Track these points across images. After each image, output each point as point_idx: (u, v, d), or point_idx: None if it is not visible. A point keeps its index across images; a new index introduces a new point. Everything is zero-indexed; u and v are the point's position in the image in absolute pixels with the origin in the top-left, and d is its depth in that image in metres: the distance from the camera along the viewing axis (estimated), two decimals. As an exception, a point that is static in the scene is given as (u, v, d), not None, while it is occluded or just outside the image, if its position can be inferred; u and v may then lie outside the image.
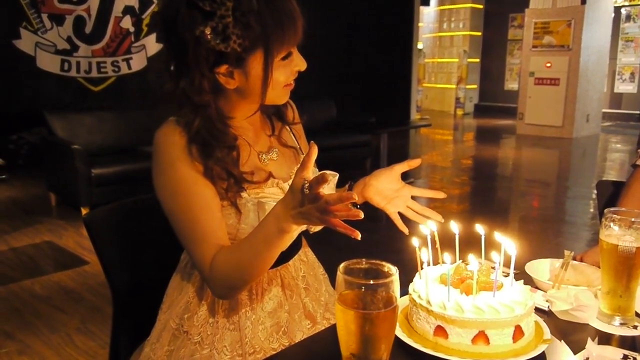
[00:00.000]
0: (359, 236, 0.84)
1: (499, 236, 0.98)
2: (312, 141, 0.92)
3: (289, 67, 1.08)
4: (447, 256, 0.97)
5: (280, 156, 1.22)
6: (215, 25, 0.97)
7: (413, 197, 1.25)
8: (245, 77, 1.05)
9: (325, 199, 0.84)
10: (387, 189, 1.23)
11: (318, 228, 1.22)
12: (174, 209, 1.07)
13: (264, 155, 1.18)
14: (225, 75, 1.05)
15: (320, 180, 0.84)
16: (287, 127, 1.29)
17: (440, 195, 1.24)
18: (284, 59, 1.06)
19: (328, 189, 1.22)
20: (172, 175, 1.06)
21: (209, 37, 0.97)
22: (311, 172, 0.88)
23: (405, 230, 1.17)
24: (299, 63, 1.09)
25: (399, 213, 1.24)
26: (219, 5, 0.96)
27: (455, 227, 1.06)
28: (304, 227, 1.16)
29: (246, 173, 1.11)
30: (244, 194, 1.09)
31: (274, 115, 1.26)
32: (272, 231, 0.96)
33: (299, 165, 0.92)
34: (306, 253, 1.32)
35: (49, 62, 6.08)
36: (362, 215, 0.84)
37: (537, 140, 9.54)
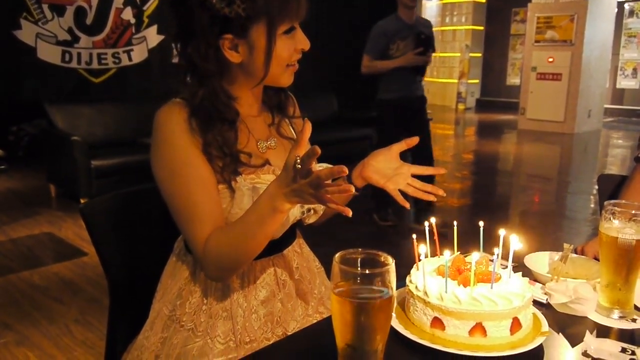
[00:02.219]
0: (350, 213, 0.86)
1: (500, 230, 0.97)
2: (305, 117, 0.92)
3: (292, 43, 1.09)
4: (446, 252, 0.96)
5: (279, 145, 1.21)
6: None
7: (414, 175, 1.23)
8: (249, 50, 1.07)
9: (317, 174, 0.85)
10: (385, 168, 1.22)
11: (312, 219, 1.21)
12: (171, 187, 1.07)
13: (262, 143, 1.18)
14: (230, 48, 1.07)
15: (311, 155, 0.84)
16: (287, 121, 1.28)
17: (441, 171, 1.25)
18: (286, 32, 1.08)
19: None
20: (170, 154, 1.06)
21: (214, 1, 1.01)
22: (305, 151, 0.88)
23: (407, 205, 1.16)
24: (303, 41, 1.11)
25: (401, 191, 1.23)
26: None
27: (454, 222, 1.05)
28: (297, 214, 1.15)
29: (243, 153, 1.11)
30: (239, 178, 1.09)
31: (275, 107, 1.25)
32: (265, 210, 0.96)
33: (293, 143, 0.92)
34: (300, 245, 1.31)
35: (49, 53, 6.05)
36: (353, 189, 0.86)
37: (539, 136, 9.51)
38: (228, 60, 1.08)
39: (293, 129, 1.29)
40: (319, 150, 0.84)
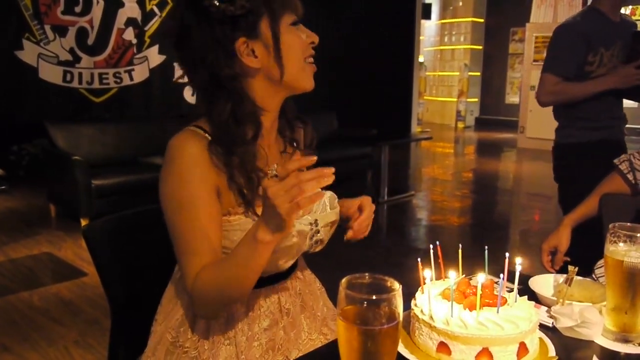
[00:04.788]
0: (332, 173, 0.89)
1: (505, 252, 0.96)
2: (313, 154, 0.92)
3: (302, 36, 1.10)
4: (451, 273, 0.95)
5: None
6: None
7: None
8: (265, 49, 1.07)
9: (286, 170, 0.87)
10: None
11: (318, 249, 1.20)
12: (173, 218, 1.05)
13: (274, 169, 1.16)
14: (247, 54, 1.06)
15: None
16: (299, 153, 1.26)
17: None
18: (293, 24, 1.09)
19: (328, 210, 1.19)
20: (179, 187, 1.05)
21: (217, 3, 1.01)
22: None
23: None
24: (310, 34, 1.12)
25: None
26: None
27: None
28: (304, 247, 1.13)
29: (261, 171, 1.10)
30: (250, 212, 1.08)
31: (289, 138, 1.24)
32: (249, 242, 0.94)
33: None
34: (302, 269, 1.31)
35: (51, 73, 6.09)
36: (331, 173, 0.90)
37: (539, 154, 9.51)
38: (248, 68, 1.07)
39: None
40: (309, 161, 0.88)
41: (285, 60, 1.07)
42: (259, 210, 1.06)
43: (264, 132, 1.14)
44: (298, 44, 1.09)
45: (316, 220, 1.15)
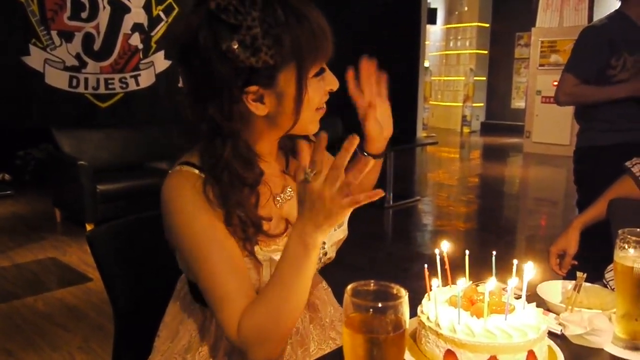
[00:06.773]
0: (382, 193, 0.82)
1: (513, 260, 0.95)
2: (321, 132, 0.85)
3: (323, 86, 1.00)
4: (460, 280, 0.93)
5: (295, 194, 1.16)
6: (243, 38, 0.88)
7: None
8: (277, 99, 0.95)
9: (333, 165, 0.81)
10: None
11: (327, 262, 1.16)
12: (196, 270, 0.98)
13: (279, 197, 1.08)
14: (255, 100, 0.95)
15: (318, 149, 0.86)
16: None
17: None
18: (316, 75, 0.97)
19: (335, 229, 1.13)
20: (188, 233, 0.97)
21: (237, 51, 0.88)
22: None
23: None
24: (332, 81, 1.01)
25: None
26: (245, 17, 0.87)
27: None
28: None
29: (265, 219, 1.01)
30: (255, 248, 1.00)
31: (291, 152, 1.16)
32: (298, 253, 0.88)
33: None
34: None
35: (57, 79, 6.11)
36: (372, 161, 0.88)
37: (545, 159, 9.50)
38: (252, 114, 0.96)
39: None
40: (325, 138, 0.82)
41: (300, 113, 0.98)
42: (259, 250, 1.01)
43: (264, 165, 1.06)
44: (317, 98, 0.98)
45: (324, 242, 1.09)
